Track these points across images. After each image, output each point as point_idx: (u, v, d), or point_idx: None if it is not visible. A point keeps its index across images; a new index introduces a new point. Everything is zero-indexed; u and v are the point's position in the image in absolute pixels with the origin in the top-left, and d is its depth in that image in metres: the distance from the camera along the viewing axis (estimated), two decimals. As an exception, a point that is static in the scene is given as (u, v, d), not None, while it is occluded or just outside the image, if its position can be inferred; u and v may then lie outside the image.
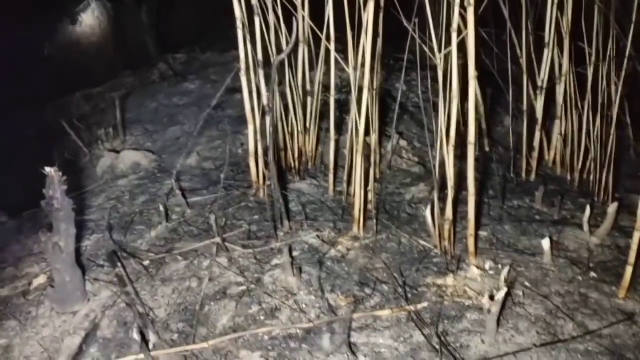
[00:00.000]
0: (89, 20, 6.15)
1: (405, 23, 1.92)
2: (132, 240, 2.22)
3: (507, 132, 3.10)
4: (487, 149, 2.98)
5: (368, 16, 1.86)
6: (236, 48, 5.42)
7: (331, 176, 2.43)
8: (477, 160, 2.84)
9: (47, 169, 1.76)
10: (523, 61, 2.65)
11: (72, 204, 1.82)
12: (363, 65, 1.98)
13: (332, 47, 2.21)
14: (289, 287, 1.90)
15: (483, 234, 2.23)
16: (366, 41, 1.90)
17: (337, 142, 2.40)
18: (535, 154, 2.73)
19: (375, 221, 2.20)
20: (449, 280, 1.95)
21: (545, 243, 2.04)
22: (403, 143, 2.86)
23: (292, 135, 2.58)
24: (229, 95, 3.96)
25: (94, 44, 6.09)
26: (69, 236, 1.83)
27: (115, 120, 3.50)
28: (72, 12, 6.04)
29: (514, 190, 2.61)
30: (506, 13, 2.62)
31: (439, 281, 1.95)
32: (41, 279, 2.02)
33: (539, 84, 2.63)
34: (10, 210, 2.61)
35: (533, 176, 2.73)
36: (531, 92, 2.70)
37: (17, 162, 3.43)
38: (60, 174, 1.78)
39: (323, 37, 2.27)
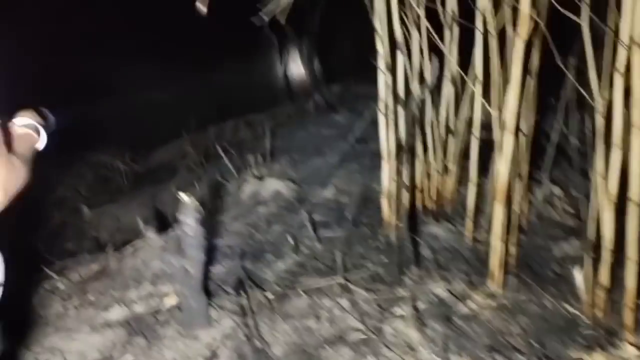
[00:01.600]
0: (256, 52, 6.50)
1: (557, 60, 1.70)
2: (261, 270, 2.21)
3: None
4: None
5: (515, 55, 1.67)
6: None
7: (469, 222, 2.23)
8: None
9: (182, 195, 1.81)
10: None
11: (204, 232, 1.84)
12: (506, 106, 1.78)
13: (478, 86, 2.04)
14: (410, 341, 1.74)
15: (648, 305, 1.88)
16: (511, 81, 1.70)
17: (479, 185, 2.20)
18: None
19: (515, 278, 1.96)
20: (597, 357, 1.66)
21: None
22: (557, 191, 2.56)
23: (430, 175, 2.43)
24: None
25: (258, 74, 6.42)
26: (198, 262, 1.85)
27: (265, 147, 3.60)
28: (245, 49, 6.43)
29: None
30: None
31: (585, 356, 1.67)
32: (172, 300, 2.08)
33: None
34: (160, 227, 2.75)
35: None
36: None
37: (174, 181, 3.68)
38: (195, 201, 1.82)
39: (469, 79, 2.11)
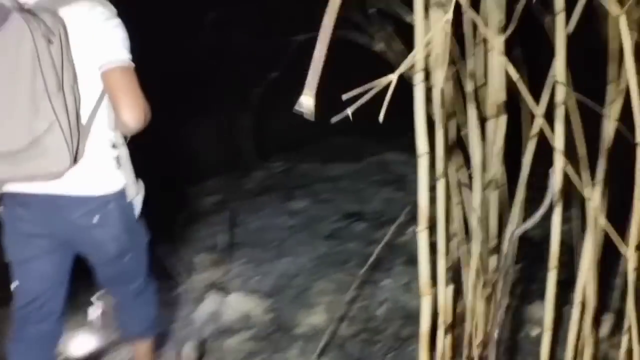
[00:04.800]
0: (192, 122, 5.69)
1: None
2: None
3: None
4: None
5: None
6: (341, 159, 4.65)
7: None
8: None
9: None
10: None
11: None
12: None
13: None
14: None
15: None
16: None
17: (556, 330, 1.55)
18: None
19: None
20: None
21: None
22: None
23: (471, 308, 1.76)
24: (345, 221, 3.23)
25: (190, 144, 5.60)
26: None
27: (219, 242, 2.80)
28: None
29: None
30: None
31: None
32: None
33: None
34: None
35: None
36: None
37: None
38: None
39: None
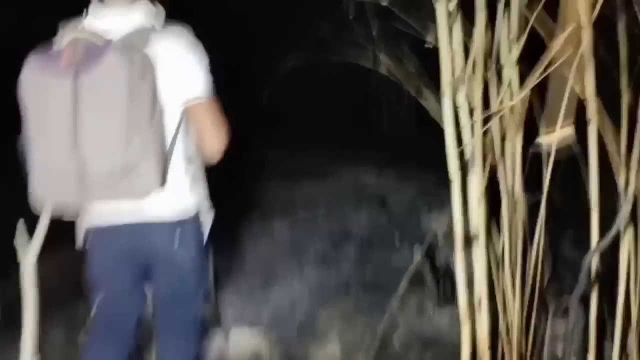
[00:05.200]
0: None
1: None
2: None
3: None
4: None
5: None
6: (310, 179, 4.48)
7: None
8: None
9: None
10: None
11: None
12: None
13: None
14: None
15: None
16: None
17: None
18: None
19: None
20: None
21: None
22: None
23: (509, 335, 1.70)
24: (331, 243, 3.11)
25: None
26: None
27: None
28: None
29: None
30: None
31: None
32: None
33: None
34: None
35: None
36: None
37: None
38: None
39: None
